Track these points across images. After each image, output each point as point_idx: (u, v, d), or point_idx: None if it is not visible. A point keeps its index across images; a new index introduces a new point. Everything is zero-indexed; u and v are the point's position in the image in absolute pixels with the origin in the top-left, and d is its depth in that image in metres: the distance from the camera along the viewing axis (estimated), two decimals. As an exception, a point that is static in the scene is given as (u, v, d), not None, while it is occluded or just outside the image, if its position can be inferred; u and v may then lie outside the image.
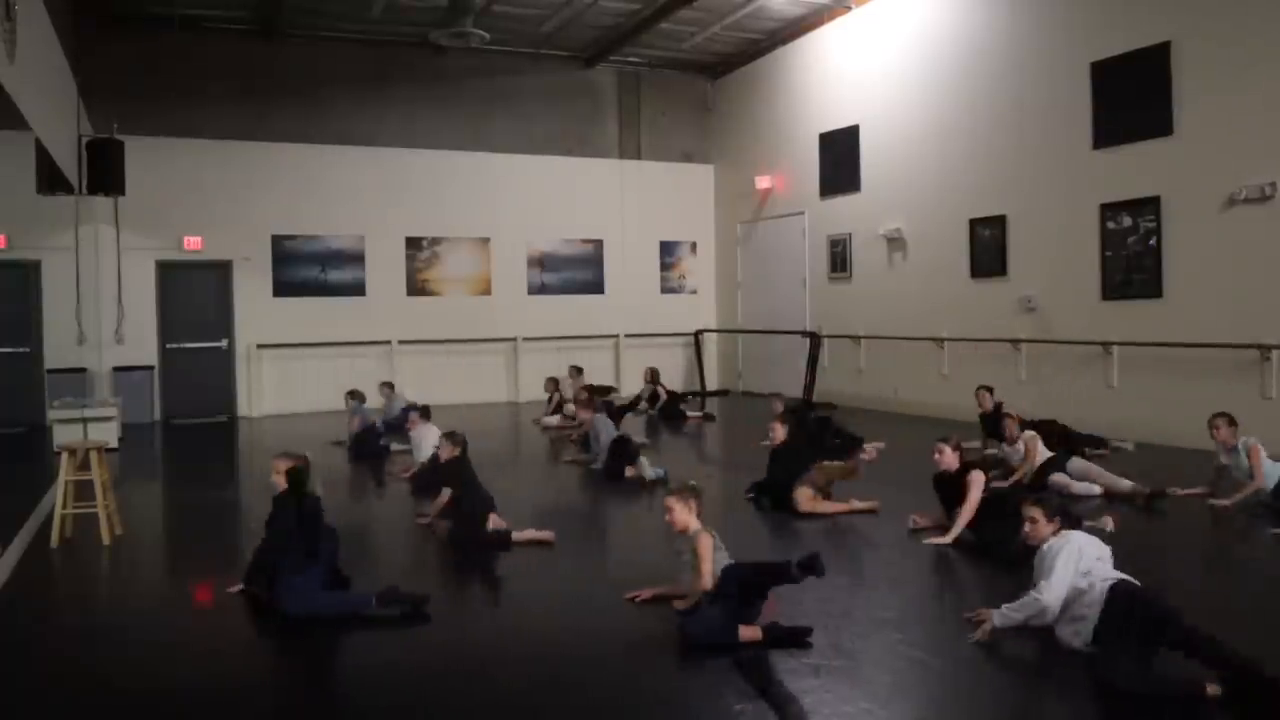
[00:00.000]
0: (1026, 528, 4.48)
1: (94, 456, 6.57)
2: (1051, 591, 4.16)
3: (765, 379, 15.97)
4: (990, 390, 10.05)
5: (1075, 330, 10.83)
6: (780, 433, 7.54)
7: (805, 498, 7.03)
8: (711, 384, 16.87)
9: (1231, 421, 7.07)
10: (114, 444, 10.50)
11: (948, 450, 6.38)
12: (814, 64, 15.04)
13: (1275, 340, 9.00)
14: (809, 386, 13.92)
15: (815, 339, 14.28)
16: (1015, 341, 11.59)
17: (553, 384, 13.45)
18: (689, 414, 13.36)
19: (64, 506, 6.43)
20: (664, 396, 13.71)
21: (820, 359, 14.31)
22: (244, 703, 3.91)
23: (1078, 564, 4.18)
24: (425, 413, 9.28)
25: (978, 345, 12.07)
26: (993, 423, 9.03)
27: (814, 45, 14.99)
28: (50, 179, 10.65)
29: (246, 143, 14.41)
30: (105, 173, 11.00)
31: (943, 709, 3.80)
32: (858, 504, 7.09)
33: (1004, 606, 4.28)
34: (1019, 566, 5.54)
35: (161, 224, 13.90)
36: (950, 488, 6.29)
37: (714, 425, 13.08)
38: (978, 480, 6.11)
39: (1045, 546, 4.35)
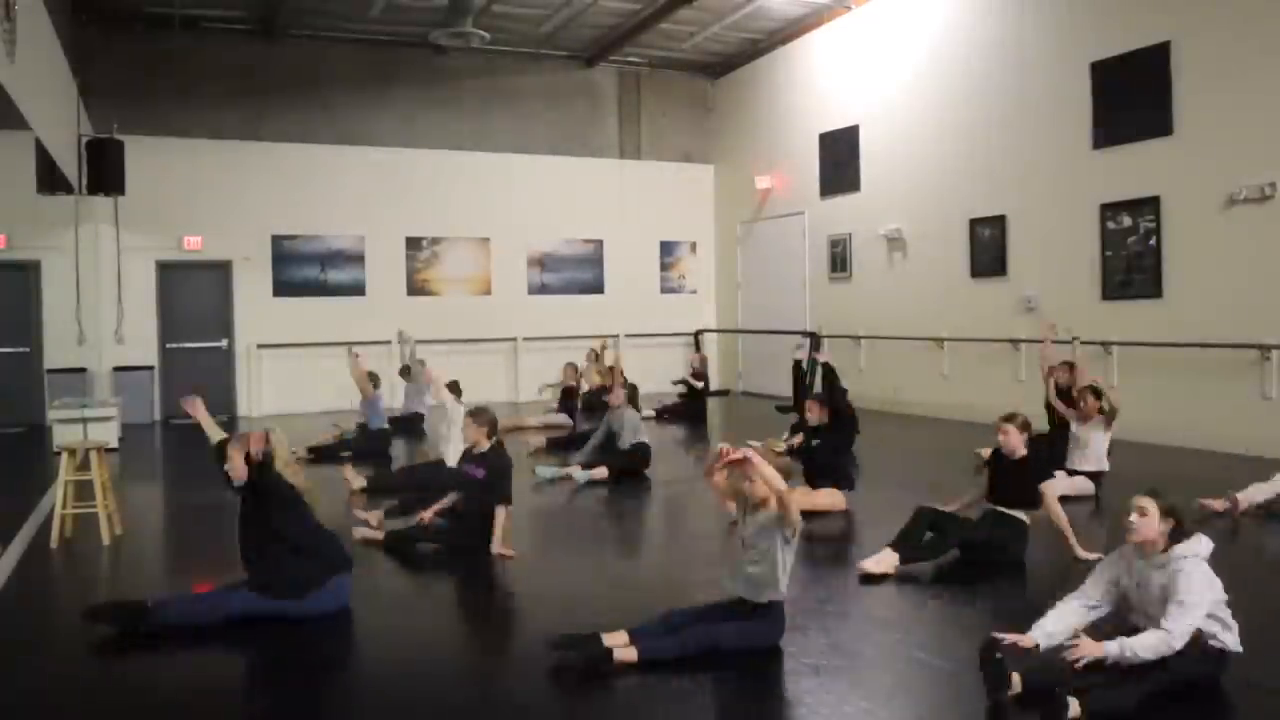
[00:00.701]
0: (1133, 518, 3.74)
1: (94, 456, 6.57)
2: (1185, 622, 3.54)
3: (765, 379, 15.98)
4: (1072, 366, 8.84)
5: (1075, 330, 10.80)
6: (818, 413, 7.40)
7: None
8: (712, 384, 16.84)
9: None
10: (114, 444, 10.49)
11: (1013, 430, 5.74)
12: (814, 64, 15.04)
13: (1275, 340, 9.00)
14: (808, 386, 13.89)
15: (815, 339, 14.26)
16: (1015, 341, 11.59)
17: (573, 370, 13.18)
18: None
19: (64, 506, 6.43)
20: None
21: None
22: (243, 702, 3.91)
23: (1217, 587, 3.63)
24: (454, 387, 8.92)
25: (977, 345, 12.07)
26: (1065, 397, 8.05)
27: (814, 45, 14.99)
28: (50, 179, 10.67)
29: (246, 142, 14.41)
30: (105, 172, 11.02)
31: (943, 709, 3.79)
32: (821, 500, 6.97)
33: (1124, 642, 3.56)
34: (1020, 570, 5.59)
35: (161, 224, 13.90)
36: (1009, 475, 5.77)
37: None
38: (1052, 493, 5.71)
39: (1175, 557, 3.66)
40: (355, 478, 8.28)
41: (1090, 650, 3.54)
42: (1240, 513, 6.70)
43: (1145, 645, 3.54)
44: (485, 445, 6.18)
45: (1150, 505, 3.70)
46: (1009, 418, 5.80)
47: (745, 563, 4.25)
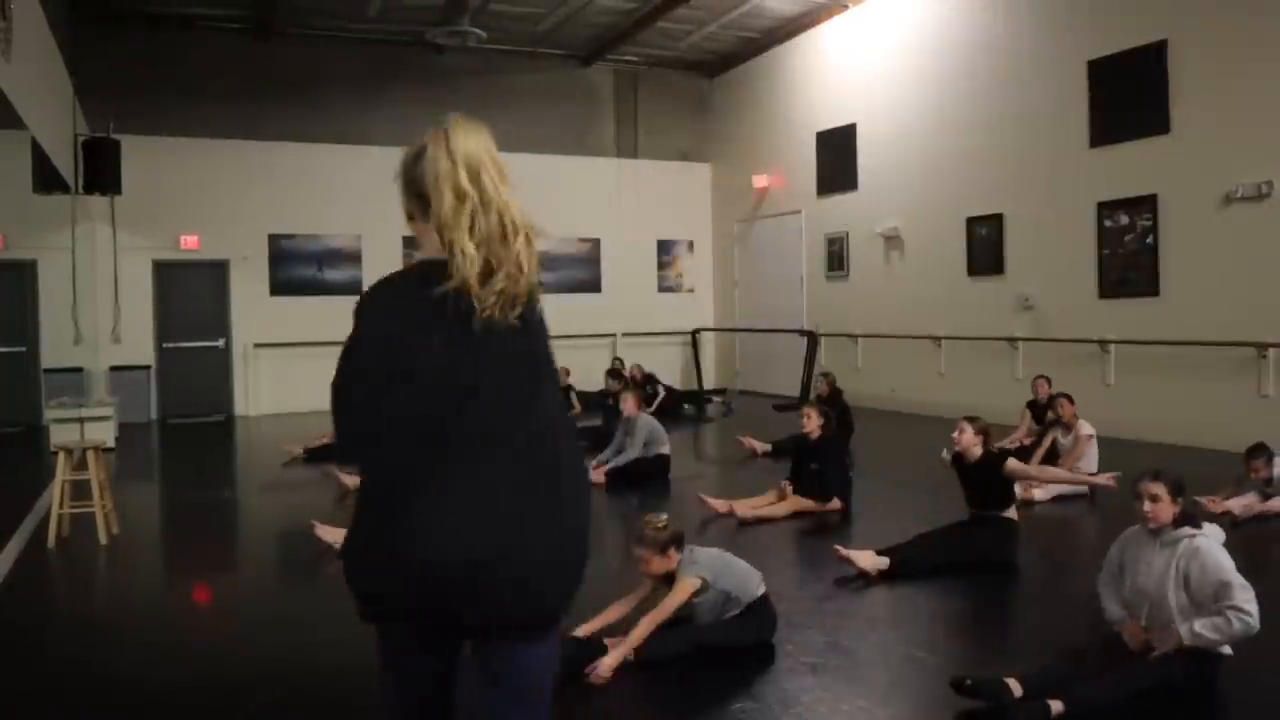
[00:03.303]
0: (1146, 506, 3.73)
1: (91, 456, 6.56)
2: (1246, 595, 3.54)
3: (763, 378, 15.98)
4: (1049, 380, 9.54)
5: (1072, 328, 10.84)
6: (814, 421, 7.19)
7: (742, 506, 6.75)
8: (709, 383, 16.85)
9: (1270, 460, 6.70)
10: (111, 443, 10.48)
11: (969, 430, 5.67)
12: (811, 62, 15.04)
13: (1272, 338, 9.01)
14: (806, 385, 13.92)
15: (812, 338, 14.27)
16: (1012, 340, 11.60)
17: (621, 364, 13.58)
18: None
19: (60, 506, 6.42)
20: (662, 394, 13.67)
21: (817, 357, 14.31)
22: (242, 702, 3.90)
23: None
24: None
25: (974, 344, 12.08)
26: (1043, 410, 8.93)
27: (811, 44, 15.00)
28: (46, 178, 10.63)
29: (243, 142, 14.38)
30: (101, 172, 11.01)
31: (940, 707, 3.79)
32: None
33: (1199, 625, 3.58)
34: (1014, 569, 5.59)
35: (158, 223, 13.88)
36: (972, 478, 5.73)
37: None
38: (1015, 467, 5.65)
39: (1196, 546, 3.65)
40: (349, 477, 8.27)
41: (1171, 642, 3.59)
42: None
43: (1218, 629, 3.55)
44: None
45: (1161, 490, 3.73)
46: (969, 419, 5.77)
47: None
